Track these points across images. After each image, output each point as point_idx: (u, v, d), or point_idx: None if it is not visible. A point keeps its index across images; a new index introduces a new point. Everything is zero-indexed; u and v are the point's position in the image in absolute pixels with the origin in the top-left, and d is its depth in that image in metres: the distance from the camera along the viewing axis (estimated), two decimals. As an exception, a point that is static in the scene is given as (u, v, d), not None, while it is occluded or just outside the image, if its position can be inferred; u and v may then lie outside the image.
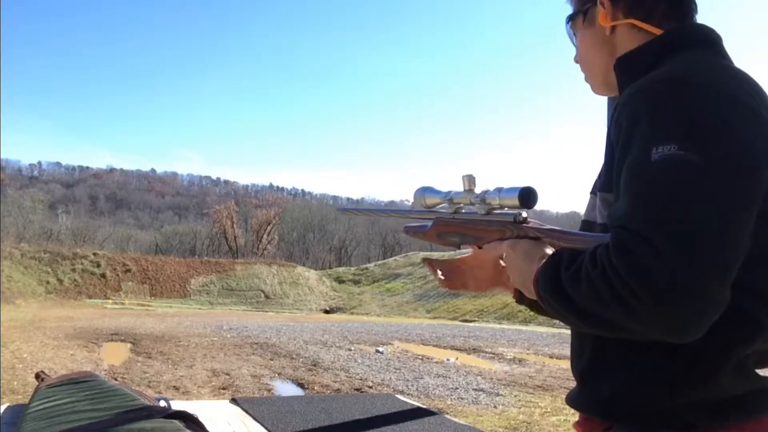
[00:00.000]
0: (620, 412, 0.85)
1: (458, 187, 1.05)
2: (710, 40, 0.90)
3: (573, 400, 0.95)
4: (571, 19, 1.03)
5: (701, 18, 0.95)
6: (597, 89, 1.04)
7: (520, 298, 1.07)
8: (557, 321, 0.87)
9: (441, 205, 1.10)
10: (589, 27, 0.99)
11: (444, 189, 1.09)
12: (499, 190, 0.95)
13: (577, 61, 1.05)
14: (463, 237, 1.06)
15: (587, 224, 0.97)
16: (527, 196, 0.91)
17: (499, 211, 0.98)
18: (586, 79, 1.05)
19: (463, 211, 1.07)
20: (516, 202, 0.92)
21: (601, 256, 0.74)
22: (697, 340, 0.73)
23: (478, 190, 1.01)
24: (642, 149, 0.76)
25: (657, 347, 0.80)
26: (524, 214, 0.95)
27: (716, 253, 0.69)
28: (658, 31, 0.91)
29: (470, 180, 1.01)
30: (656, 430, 0.82)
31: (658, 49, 0.90)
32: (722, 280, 0.69)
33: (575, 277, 0.76)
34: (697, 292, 0.68)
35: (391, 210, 1.35)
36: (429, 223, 1.14)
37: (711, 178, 0.71)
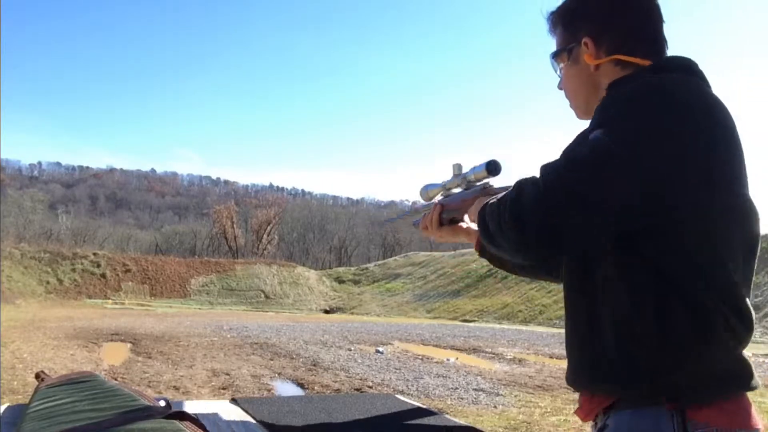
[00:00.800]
0: (620, 376, 0.91)
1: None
2: (692, 67, 1.00)
3: (573, 379, 1.01)
4: (555, 55, 1.13)
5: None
6: (581, 116, 1.14)
7: (481, 250, 1.24)
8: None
9: (439, 195, 1.33)
10: (573, 64, 1.09)
11: (440, 181, 1.33)
12: (473, 168, 1.19)
13: (560, 89, 1.15)
14: (449, 212, 1.27)
15: None
16: (493, 167, 1.15)
17: (475, 186, 1.21)
18: (571, 106, 1.15)
19: (453, 192, 1.28)
20: (485, 173, 1.16)
21: (509, 190, 0.93)
22: (677, 319, 0.87)
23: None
24: (591, 130, 0.92)
25: (645, 325, 0.89)
26: (491, 182, 1.18)
27: (579, 214, 0.85)
28: (643, 62, 1.01)
29: (458, 167, 1.24)
30: (655, 400, 0.88)
31: (647, 73, 1.00)
32: (556, 236, 0.87)
33: (492, 209, 0.95)
34: (541, 227, 0.87)
35: (408, 212, 1.51)
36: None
37: (610, 163, 0.84)
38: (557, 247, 0.90)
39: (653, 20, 1.05)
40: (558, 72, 1.14)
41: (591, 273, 0.96)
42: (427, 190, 1.35)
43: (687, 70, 0.98)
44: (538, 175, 0.91)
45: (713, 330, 0.87)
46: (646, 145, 0.85)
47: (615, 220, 0.87)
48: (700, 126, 0.88)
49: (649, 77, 0.96)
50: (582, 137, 0.97)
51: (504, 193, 0.98)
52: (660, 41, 1.04)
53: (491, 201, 0.99)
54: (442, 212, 1.29)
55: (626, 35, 1.03)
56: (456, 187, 1.27)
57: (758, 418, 0.92)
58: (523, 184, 0.91)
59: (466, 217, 1.22)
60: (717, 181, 0.89)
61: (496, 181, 1.19)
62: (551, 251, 0.93)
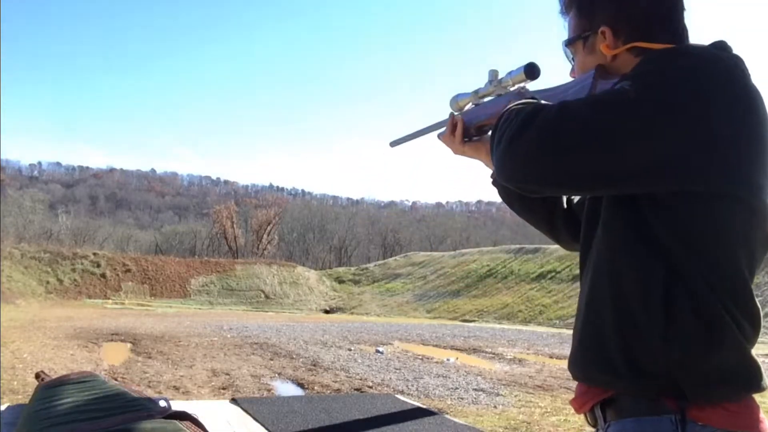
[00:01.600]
0: (619, 370, 0.88)
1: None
2: (729, 49, 0.94)
3: (573, 367, 0.98)
4: (569, 43, 1.07)
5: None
6: None
7: (496, 178, 1.19)
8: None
9: (470, 104, 1.21)
10: (590, 53, 1.03)
11: (472, 89, 1.21)
12: (510, 72, 1.11)
13: (573, 77, 1.10)
14: (478, 119, 1.18)
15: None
16: (531, 69, 1.07)
17: (510, 89, 1.13)
18: None
19: (486, 101, 1.18)
20: (523, 76, 1.08)
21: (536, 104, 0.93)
22: (685, 310, 0.83)
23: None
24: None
25: (651, 323, 0.85)
26: (526, 86, 1.10)
27: (569, 152, 0.84)
28: (663, 47, 0.95)
29: (494, 73, 1.14)
30: (655, 397, 0.86)
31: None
32: (556, 169, 0.86)
33: (509, 111, 0.94)
34: (534, 158, 0.87)
35: (431, 126, 1.32)
36: None
37: (628, 111, 0.83)
38: (544, 170, 0.87)
39: (675, 7, 0.99)
40: (571, 59, 1.09)
41: (603, 264, 0.92)
42: (457, 100, 1.23)
43: (725, 50, 0.92)
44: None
45: (722, 331, 0.83)
46: (670, 108, 0.82)
47: (614, 169, 0.84)
48: (732, 111, 0.84)
49: (688, 46, 0.93)
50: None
51: (529, 102, 0.95)
52: (682, 30, 0.99)
53: (513, 107, 0.96)
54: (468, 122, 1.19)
55: (646, 22, 0.97)
56: (490, 95, 1.16)
57: (766, 421, 0.88)
58: (545, 105, 0.90)
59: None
60: (738, 175, 0.85)
61: (533, 86, 1.10)
62: (532, 170, 0.89)
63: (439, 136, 1.27)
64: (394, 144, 1.45)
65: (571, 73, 1.09)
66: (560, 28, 1.10)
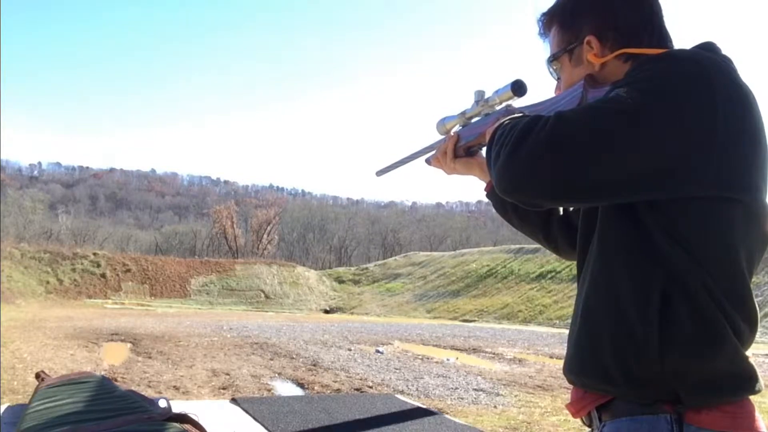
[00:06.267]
0: (615, 378, 0.87)
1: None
2: (720, 51, 0.94)
3: (569, 372, 0.97)
4: (555, 58, 1.06)
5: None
6: None
7: (490, 191, 1.20)
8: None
9: (457, 126, 1.22)
10: (577, 65, 1.03)
11: (459, 111, 1.20)
12: (497, 90, 1.11)
13: (559, 94, 1.10)
14: (466, 140, 1.18)
15: None
16: (518, 86, 1.07)
17: (497, 108, 1.12)
18: None
19: (474, 121, 1.18)
20: (510, 94, 1.08)
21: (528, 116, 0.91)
22: (682, 311, 0.82)
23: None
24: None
25: (648, 329, 0.84)
26: (513, 104, 1.09)
27: (570, 162, 0.81)
28: (651, 51, 0.95)
29: (480, 93, 1.14)
30: (651, 402, 0.85)
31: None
32: (557, 180, 0.83)
33: (503, 129, 0.92)
34: (534, 171, 0.84)
35: (418, 151, 1.32)
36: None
37: (626, 117, 0.81)
38: (542, 179, 0.84)
39: (655, 11, 1.00)
40: (556, 75, 1.08)
41: (600, 270, 0.91)
42: (444, 123, 1.22)
43: (716, 53, 0.92)
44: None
45: (719, 336, 0.83)
46: (668, 112, 0.82)
47: (615, 177, 0.82)
48: (729, 113, 0.83)
49: (680, 50, 0.92)
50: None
51: (523, 115, 0.94)
52: (666, 34, 1.00)
53: (506, 121, 0.94)
54: (458, 142, 1.18)
55: (632, 28, 0.98)
56: (477, 115, 1.16)
57: (762, 422, 0.88)
58: (541, 116, 0.87)
59: (484, 150, 1.11)
60: (738, 177, 0.84)
61: (520, 103, 1.09)
62: (533, 183, 0.85)
63: (427, 160, 1.28)
64: (380, 173, 1.43)
65: (556, 91, 1.09)
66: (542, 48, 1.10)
